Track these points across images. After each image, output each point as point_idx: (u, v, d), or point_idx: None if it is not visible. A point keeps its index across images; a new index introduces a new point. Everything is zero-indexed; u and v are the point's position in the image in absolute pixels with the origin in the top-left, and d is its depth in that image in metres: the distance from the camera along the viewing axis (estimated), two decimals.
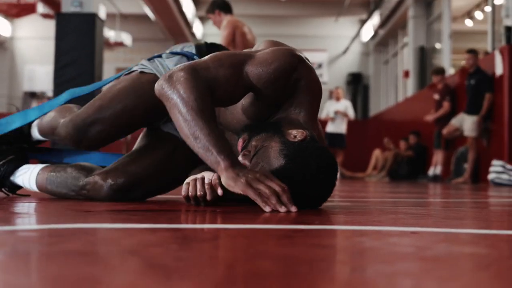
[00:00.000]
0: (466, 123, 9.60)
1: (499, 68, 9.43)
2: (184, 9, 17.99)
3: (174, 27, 18.67)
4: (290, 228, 1.56)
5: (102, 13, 11.72)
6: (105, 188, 2.52)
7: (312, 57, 21.38)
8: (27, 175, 2.72)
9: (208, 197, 2.16)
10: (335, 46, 21.74)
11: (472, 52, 9.80)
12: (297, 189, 2.00)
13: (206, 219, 1.83)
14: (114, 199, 2.52)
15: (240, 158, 2.13)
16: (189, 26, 19.92)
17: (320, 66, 21.64)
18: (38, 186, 2.69)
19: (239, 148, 2.21)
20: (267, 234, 1.45)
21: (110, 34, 17.64)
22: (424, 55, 15.76)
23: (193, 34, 20.62)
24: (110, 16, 18.00)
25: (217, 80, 2.12)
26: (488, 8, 12.36)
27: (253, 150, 2.13)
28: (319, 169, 2.07)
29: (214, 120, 2.05)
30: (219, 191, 2.10)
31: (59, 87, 9.27)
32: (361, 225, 1.70)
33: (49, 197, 2.73)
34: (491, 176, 8.58)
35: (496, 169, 8.58)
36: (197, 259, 1.04)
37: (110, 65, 19.90)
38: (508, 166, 8.51)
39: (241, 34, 6.98)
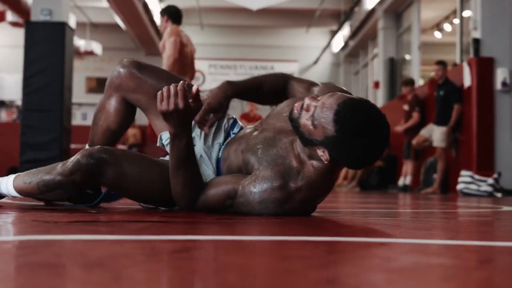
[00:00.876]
0: (435, 133, 9.69)
1: (467, 80, 9.54)
2: (155, 18, 17.95)
3: (145, 36, 18.61)
4: (258, 240, 1.57)
5: (72, 22, 11.66)
6: (80, 154, 2.49)
7: (284, 68, 21.45)
8: (5, 179, 2.70)
9: (180, 87, 2.28)
10: (306, 57, 21.83)
11: (441, 63, 9.89)
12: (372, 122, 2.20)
13: (174, 230, 1.82)
14: (86, 172, 2.46)
15: (307, 99, 2.30)
16: (159, 35, 19.87)
17: None
18: (14, 185, 2.65)
19: (297, 109, 2.32)
20: (234, 246, 1.45)
21: (80, 43, 17.52)
22: (394, 66, 15.88)
23: None
24: (80, 25, 17.90)
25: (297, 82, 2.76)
26: (456, 21, 12.50)
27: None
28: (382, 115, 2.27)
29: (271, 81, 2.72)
30: (194, 87, 2.32)
31: (28, 96, 9.19)
32: (330, 236, 1.71)
33: (18, 206, 2.70)
34: (459, 187, 8.66)
35: (465, 179, 8.66)
36: (164, 271, 1.04)
37: (80, 74, 19.77)
38: (477, 177, 8.60)
39: (180, 44, 7.11)
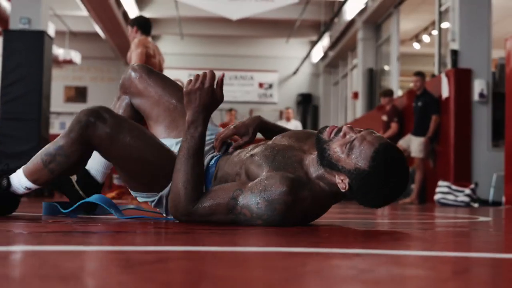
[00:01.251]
0: (413, 144, 9.74)
1: (445, 91, 9.62)
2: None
3: (124, 45, 18.50)
4: (234, 251, 1.56)
5: (51, 31, 11.59)
6: (82, 111, 2.53)
7: (263, 78, 21.47)
8: (15, 173, 2.67)
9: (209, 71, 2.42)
10: (285, 67, 21.87)
11: (420, 74, 9.97)
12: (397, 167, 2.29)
13: (151, 241, 1.82)
14: (84, 125, 2.48)
15: (345, 127, 2.34)
16: None
17: (270, 86, 21.74)
18: (24, 171, 2.63)
19: (329, 134, 2.35)
20: (212, 256, 1.45)
21: (59, 51, 17.42)
22: (373, 77, 15.96)
23: None
24: (59, 33, 17.80)
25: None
26: (435, 32, 12.60)
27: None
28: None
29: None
30: (221, 74, 2.44)
31: (5, 105, 9.13)
32: (306, 247, 1.71)
33: None
34: (437, 197, 8.71)
35: (442, 189, 8.72)
36: (139, 282, 1.04)
37: (58, 83, 19.65)
38: (454, 187, 8.65)
39: (146, 55, 7.08)
